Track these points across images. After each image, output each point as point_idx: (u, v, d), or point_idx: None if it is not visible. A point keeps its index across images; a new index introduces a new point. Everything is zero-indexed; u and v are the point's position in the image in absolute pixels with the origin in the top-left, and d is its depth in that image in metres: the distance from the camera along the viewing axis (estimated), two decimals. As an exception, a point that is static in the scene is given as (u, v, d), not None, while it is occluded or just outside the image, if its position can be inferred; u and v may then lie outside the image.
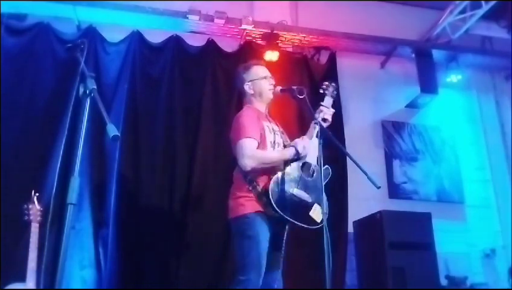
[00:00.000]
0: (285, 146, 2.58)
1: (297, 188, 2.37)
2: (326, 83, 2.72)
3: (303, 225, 2.32)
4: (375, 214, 3.59)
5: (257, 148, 2.44)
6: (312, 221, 2.35)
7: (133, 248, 3.49)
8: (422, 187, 4.69)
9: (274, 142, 2.53)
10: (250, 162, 2.36)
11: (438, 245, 3.55)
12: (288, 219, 2.28)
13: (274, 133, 2.57)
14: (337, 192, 4.03)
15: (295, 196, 2.35)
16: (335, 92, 2.70)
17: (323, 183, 2.32)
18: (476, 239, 4.59)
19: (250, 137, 2.42)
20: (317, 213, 2.36)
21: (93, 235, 3.50)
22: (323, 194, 2.22)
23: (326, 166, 2.38)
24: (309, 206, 2.37)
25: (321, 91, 2.68)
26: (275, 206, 2.26)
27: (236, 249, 2.38)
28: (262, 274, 2.27)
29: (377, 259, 3.46)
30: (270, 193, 2.28)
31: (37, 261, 2.76)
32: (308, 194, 2.38)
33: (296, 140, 2.50)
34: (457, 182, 4.81)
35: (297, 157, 2.42)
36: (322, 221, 2.31)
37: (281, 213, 2.26)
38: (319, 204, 2.37)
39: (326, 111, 2.57)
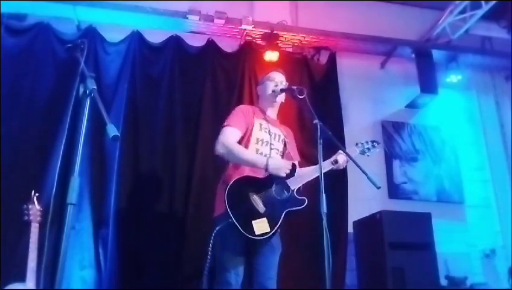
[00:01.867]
0: (282, 155, 2.61)
1: (257, 195, 2.37)
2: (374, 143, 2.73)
3: (240, 228, 2.27)
4: (375, 214, 3.59)
5: (239, 139, 2.51)
6: (251, 230, 2.30)
7: (133, 248, 3.49)
8: (422, 187, 4.69)
9: (265, 141, 2.55)
10: (220, 147, 2.45)
11: (438, 245, 3.54)
12: (231, 215, 2.27)
13: (270, 135, 2.58)
14: (337, 192, 4.04)
15: (251, 201, 2.35)
16: (369, 152, 2.71)
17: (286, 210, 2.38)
18: (476, 239, 4.59)
19: (231, 126, 2.51)
20: (260, 225, 2.32)
21: (93, 235, 3.50)
22: (323, 194, 2.21)
23: (304, 197, 2.41)
24: (258, 216, 2.34)
25: (362, 149, 2.70)
26: (225, 200, 2.28)
27: None
28: (235, 271, 2.30)
29: (377, 259, 3.46)
30: (227, 187, 2.32)
31: (37, 261, 2.75)
32: (264, 206, 2.37)
33: (278, 158, 2.51)
34: (457, 182, 4.81)
35: (265, 170, 2.40)
36: (261, 235, 2.30)
37: (227, 208, 2.27)
38: (270, 221, 2.34)
39: (342, 158, 2.58)
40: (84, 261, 3.45)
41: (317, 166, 2.43)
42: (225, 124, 2.54)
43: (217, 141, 2.48)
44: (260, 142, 2.56)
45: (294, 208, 2.42)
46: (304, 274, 3.68)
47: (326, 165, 2.50)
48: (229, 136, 2.49)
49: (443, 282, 3.90)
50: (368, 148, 2.72)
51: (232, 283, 2.29)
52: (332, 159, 2.55)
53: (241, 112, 2.61)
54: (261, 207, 2.36)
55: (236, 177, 2.38)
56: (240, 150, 2.47)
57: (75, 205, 1.59)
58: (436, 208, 4.26)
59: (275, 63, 4.24)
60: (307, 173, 2.51)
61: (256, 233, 2.30)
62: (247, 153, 2.48)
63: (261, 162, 2.41)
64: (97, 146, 3.67)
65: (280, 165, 2.42)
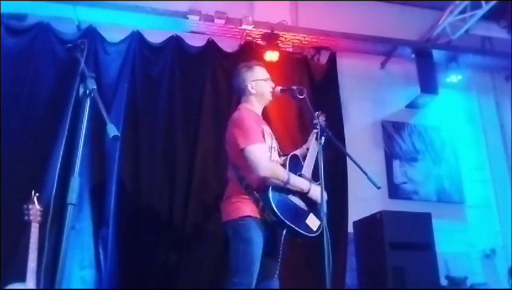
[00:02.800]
0: (279, 153, 2.57)
1: (294, 196, 2.38)
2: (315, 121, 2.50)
3: (300, 231, 2.31)
4: (375, 214, 3.59)
5: None
6: (309, 228, 2.35)
7: (133, 248, 3.49)
8: (422, 187, 4.69)
9: (271, 147, 2.51)
10: (265, 172, 2.30)
11: (438, 245, 3.55)
12: (289, 223, 2.27)
13: (271, 138, 2.57)
14: (337, 192, 4.04)
15: (293, 202, 2.36)
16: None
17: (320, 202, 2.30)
18: (476, 239, 4.59)
19: (258, 143, 2.36)
20: (312, 221, 2.37)
21: (93, 235, 3.50)
22: (324, 193, 2.22)
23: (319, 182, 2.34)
24: (305, 214, 2.38)
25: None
26: (276, 210, 2.24)
27: (231, 251, 2.35)
28: (255, 277, 2.26)
29: (377, 259, 3.46)
30: (270, 197, 2.27)
31: (37, 262, 2.75)
32: (305, 203, 2.40)
33: (316, 189, 2.40)
34: (457, 182, 4.81)
35: (305, 193, 2.41)
36: (317, 230, 2.34)
37: (282, 217, 2.25)
38: (316, 214, 2.38)
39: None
40: (84, 261, 3.45)
41: (307, 145, 2.63)
42: (250, 142, 2.33)
43: (254, 163, 2.29)
44: (271, 150, 2.49)
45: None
46: (304, 274, 3.68)
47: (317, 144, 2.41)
48: (264, 155, 2.35)
49: (443, 282, 3.90)
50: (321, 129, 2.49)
51: (248, 285, 2.24)
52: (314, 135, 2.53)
53: (253, 122, 2.44)
54: (303, 205, 2.39)
55: (265, 184, 2.33)
56: (285, 173, 2.36)
57: (75, 205, 1.59)
58: (436, 208, 4.26)
59: (275, 63, 4.24)
60: (309, 158, 2.53)
61: (314, 229, 2.36)
62: (295, 179, 2.39)
63: (303, 187, 2.41)
64: (97, 146, 3.67)
65: (318, 195, 2.31)
